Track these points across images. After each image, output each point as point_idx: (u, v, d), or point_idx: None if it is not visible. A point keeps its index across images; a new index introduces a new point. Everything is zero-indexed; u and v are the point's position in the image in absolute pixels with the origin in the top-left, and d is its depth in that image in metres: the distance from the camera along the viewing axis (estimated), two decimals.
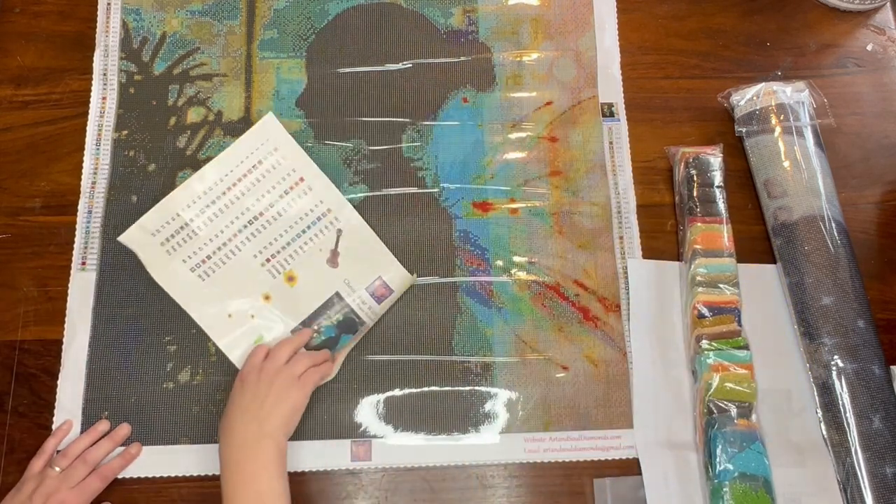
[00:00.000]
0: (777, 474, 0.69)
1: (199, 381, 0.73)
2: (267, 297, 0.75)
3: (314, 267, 0.76)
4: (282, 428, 0.66)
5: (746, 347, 0.72)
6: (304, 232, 0.76)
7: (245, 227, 0.76)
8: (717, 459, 0.68)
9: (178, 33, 0.84)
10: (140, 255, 0.74)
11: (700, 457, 0.70)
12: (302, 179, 0.77)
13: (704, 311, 0.73)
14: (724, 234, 0.76)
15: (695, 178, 0.78)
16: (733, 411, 0.70)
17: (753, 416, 0.70)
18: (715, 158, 0.78)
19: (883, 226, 0.82)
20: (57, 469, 0.67)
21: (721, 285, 0.74)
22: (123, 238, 0.74)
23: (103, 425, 0.71)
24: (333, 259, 0.76)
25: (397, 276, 0.76)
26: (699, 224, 0.76)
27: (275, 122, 0.77)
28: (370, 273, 0.76)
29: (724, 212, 0.77)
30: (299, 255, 0.76)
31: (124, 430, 0.71)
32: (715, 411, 0.70)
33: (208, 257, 0.75)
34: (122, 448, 0.71)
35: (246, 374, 0.69)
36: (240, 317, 0.74)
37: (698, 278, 0.74)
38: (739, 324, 0.73)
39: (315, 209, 0.77)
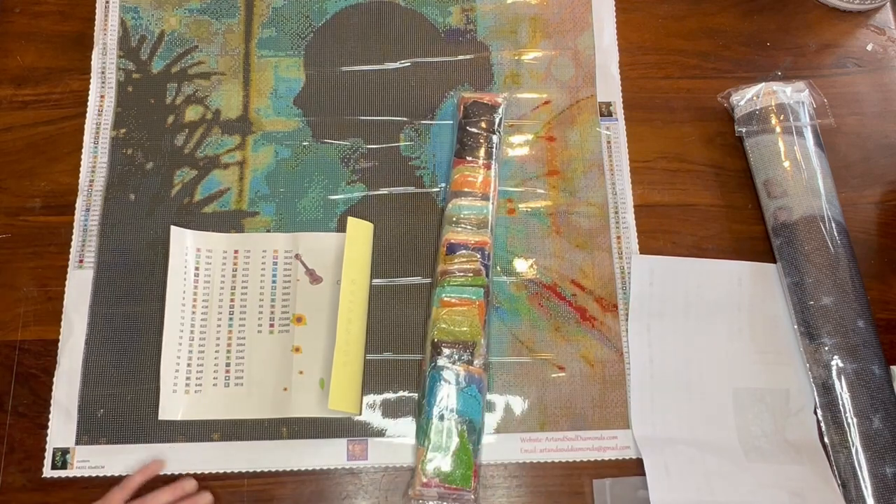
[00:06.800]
0: (777, 473, 0.69)
1: None
2: (297, 350, 0.74)
3: (308, 296, 0.75)
4: None
5: (486, 290, 0.73)
6: (273, 282, 0.76)
7: (231, 318, 0.75)
8: (431, 399, 0.69)
9: (177, 31, 0.84)
10: (203, 417, 0.72)
11: (420, 393, 0.71)
12: (236, 252, 0.76)
13: (453, 247, 0.74)
14: (481, 177, 0.76)
15: (468, 121, 0.78)
16: (455, 352, 0.70)
17: (478, 361, 0.70)
18: (493, 105, 0.79)
19: (883, 226, 0.81)
20: None
21: (471, 227, 0.75)
22: (164, 417, 0.71)
23: (189, 485, 0.69)
24: (314, 278, 0.75)
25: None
26: (461, 166, 0.77)
27: (179, 231, 0.76)
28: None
29: (486, 157, 0.77)
30: (288, 299, 0.75)
31: (206, 498, 0.68)
32: (440, 348, 0.70)
33: (227, 365, 0.74)
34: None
35: None
36: (294, 382, 0.73)
37: (452, 217, 0.75)
38: (485, 265, 0.74)
39: (265, 260, 0.76)
